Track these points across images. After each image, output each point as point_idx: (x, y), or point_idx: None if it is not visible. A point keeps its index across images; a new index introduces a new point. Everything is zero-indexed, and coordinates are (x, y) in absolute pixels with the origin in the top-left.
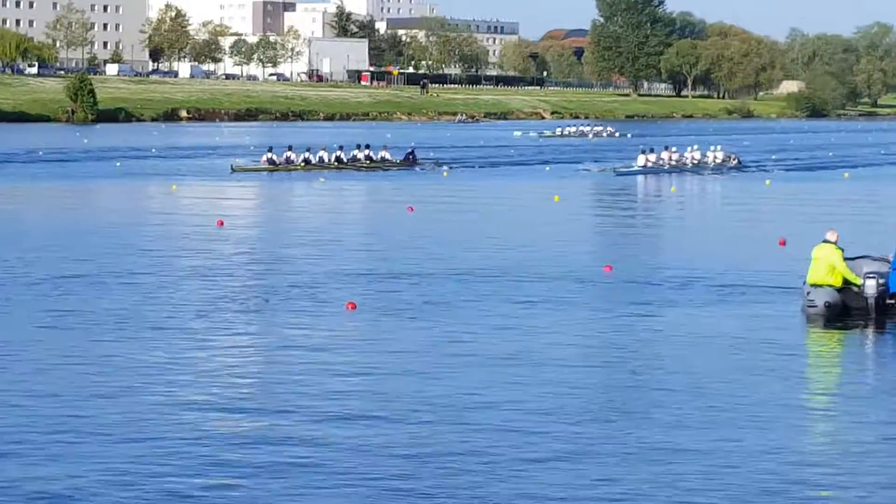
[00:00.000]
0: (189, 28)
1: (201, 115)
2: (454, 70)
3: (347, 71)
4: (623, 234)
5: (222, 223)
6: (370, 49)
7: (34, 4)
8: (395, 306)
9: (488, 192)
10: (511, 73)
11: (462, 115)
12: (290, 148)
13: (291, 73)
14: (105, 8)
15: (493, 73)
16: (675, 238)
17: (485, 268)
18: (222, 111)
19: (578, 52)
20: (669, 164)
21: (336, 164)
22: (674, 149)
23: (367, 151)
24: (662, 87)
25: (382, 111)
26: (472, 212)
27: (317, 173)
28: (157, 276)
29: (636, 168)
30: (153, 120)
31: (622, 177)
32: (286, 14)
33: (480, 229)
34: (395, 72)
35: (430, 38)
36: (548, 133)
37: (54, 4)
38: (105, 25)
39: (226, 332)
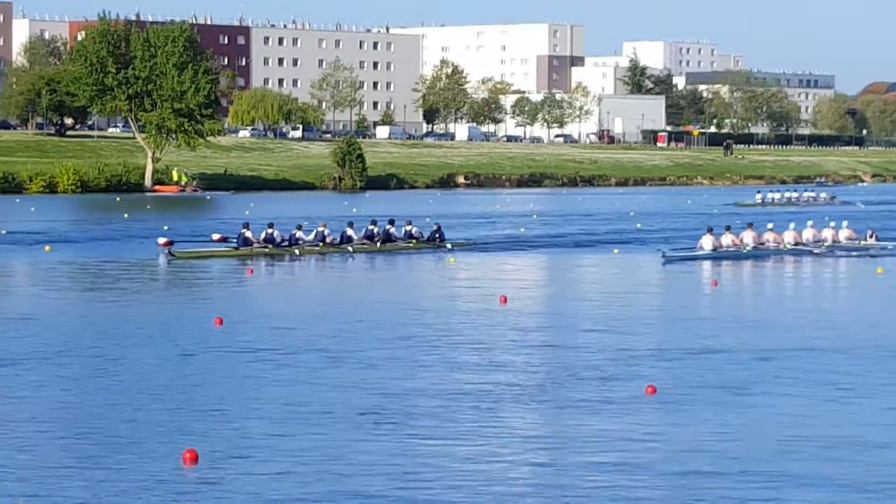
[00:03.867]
0: (467, 86)
1: (480, 181)
2: (761, 129)
3: (642, 131)
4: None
5: (505, 300)
6: (667, 106)
7: (298, 62)
8: (692, 388)
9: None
10: (826, 131)
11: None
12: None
13: (580, 134)
14: (375, 65)
15: (806, 131)
16: None
17: (782, 346)
18: (503, 176)
19: None
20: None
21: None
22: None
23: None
24: None
25: (681, 175)
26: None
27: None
28: (435, 356)
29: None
30: (427, 187)
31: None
32: (573, 69)
33: (769, 305)
34: (696, 132)
35: (735, 94)
36: (748, 202)
37: (320, 62)
38: (375, 84)
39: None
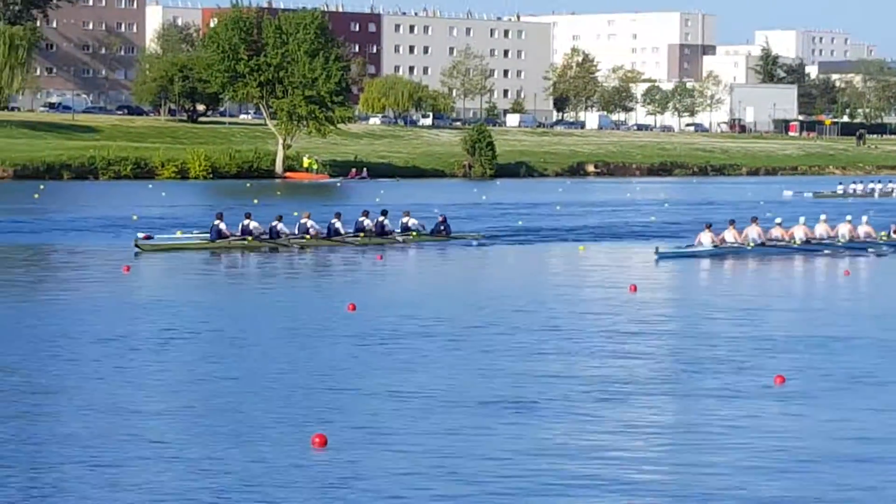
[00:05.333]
0: (597, 74)
1: (610, 169)
2: (895, 119)
3: (773, 120)
4: None
5: (635, 288)
6: (799, 96)
7: (429, 50)
8: (822, 378)
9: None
10: None
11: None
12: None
13: (710, 124)
14: (506, 53)
15: None
16: None
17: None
18: (633, 165)
19: None
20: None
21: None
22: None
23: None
24: None
25: (813, 165)
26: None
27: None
28: (563, 346)
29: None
30: (557, 175)
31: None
32: (705, 58)
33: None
34: (828, 121)
35: (868, 84)
36: (826, 192)
37: (451, 49)
38: (506, 72)
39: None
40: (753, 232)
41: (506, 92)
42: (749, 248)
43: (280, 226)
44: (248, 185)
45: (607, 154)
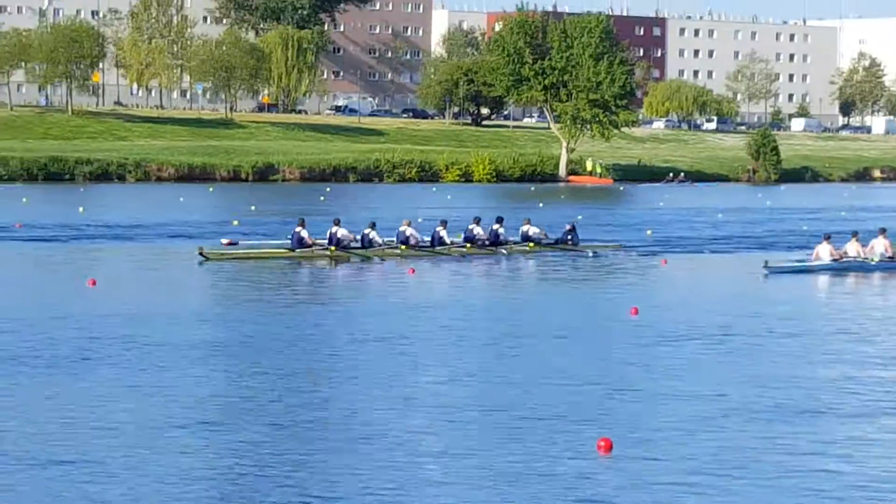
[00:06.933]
0: (884, 79)
1: None
2: None
3: None
4: None
5: None
6: None
7: (713, 54)
8: None
9: None
10: None
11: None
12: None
13: None
14: (791, 57)
15: None
16: None
17: None
18: None
19: None
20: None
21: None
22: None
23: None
24: None
25: None
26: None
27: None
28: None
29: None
30: (842, 180)
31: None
32: None
33: None
34: None
35: None
36: None
37: (735, 53)
38: (791, 77)
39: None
40: (880, 245)
41: (790, 96)
42: (873, 262)
43: (373, 234)
44: (531, 188)
45: (894, 159)
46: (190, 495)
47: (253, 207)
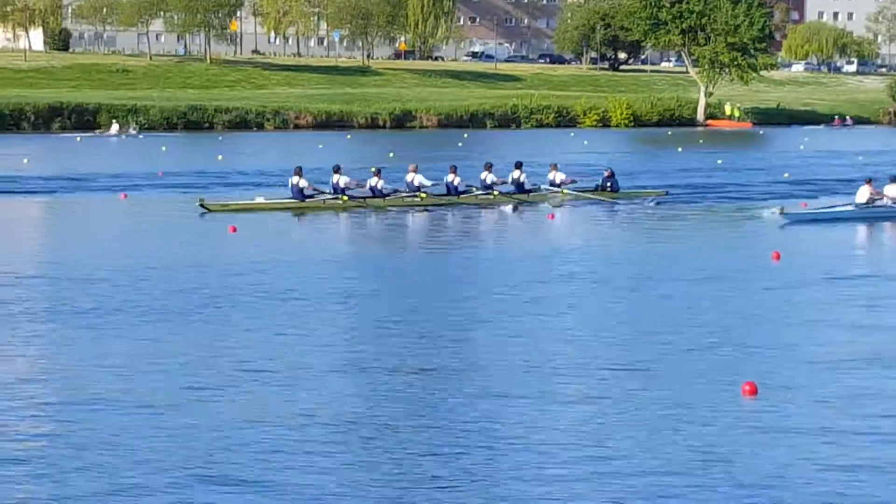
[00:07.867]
0: None
1: None
2: None
3: None
4: None
5: None
6: None
7: None
8: None
9: None
10: None
11: None
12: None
13: None
14: None
15: None
16: None
17: None
18: None
19: None
20: None
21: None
22: None
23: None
24: None
25: None
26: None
27: None
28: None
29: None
30: None
31: None
32: None
33: None
34: None
35: None
36: None
37: None
38: None
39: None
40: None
41: None
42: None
43: (380, 182)
44: (668, 132)
45: None
46: (337, 438)
47: (391, 154)
